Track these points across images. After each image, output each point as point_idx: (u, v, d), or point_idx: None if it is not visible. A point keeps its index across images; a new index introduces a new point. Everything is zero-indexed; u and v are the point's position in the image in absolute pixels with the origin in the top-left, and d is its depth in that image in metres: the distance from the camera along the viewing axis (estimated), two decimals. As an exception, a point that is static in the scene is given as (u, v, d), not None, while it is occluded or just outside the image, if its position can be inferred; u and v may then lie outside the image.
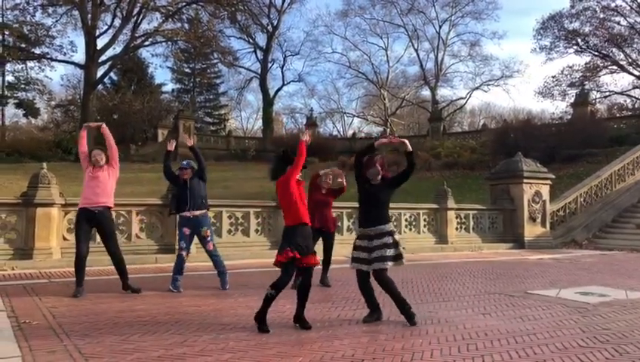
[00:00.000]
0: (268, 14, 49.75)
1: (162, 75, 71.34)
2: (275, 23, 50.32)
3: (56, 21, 39.11)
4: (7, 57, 39.15)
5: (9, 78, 44.79)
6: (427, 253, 13.27)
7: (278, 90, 54.82)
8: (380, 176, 5.65)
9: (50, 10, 38.48)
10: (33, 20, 39.07)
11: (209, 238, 7.43)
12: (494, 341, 4.83)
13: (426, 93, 57.97)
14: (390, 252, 5.42)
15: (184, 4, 38.81)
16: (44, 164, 10.44)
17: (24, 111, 47.95)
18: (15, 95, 46.21)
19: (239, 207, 11.99)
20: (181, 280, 7.23)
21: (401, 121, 62.69)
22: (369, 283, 5.63)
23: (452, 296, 7.16)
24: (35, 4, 37.85)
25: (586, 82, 39.20)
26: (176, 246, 10.72)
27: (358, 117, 64.33)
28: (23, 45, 39.48)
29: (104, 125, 7.22)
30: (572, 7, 38.16)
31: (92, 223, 6.84)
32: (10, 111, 49.40)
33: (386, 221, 5.57)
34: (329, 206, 7.91)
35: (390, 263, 5.45)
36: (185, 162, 7.61)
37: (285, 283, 5.14)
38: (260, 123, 59.19)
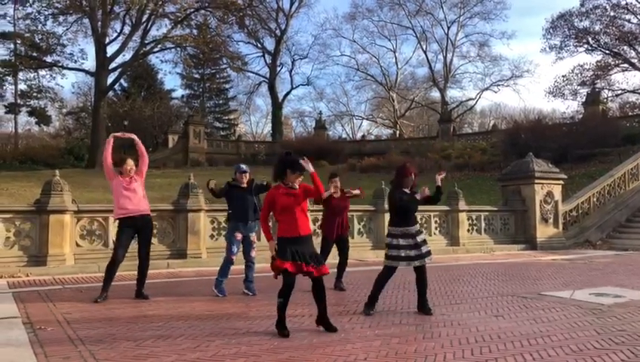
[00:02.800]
0: (276, 19, 50.03)
1: (172, 80, 72.08)
2: (283, 27, 50.59)
3: (67, 29, 39.67)
4: (19, 66, 39.67)
5: (21, 86, 45.39)
6: (439, 255, 13.17)
7: (287, 93, 55.06)
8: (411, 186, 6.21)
9: (61, 18, 38.99)
10: (44, 29, 39.65)
11: (255, 245, 7.46)
12: (508, 343, 4.79)
13: (435, 94, 57.95)
14: (428, 248, 6.12)
15: (193, 10, 39.07)
16: (57, 171, 10.55)
17: (36, 119, 48.54)
18: (27, 103, 46.76)
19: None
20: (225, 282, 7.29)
21: (410, 123, 62.63)
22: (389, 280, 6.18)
23: (464, 299, 7.12)
24: (46, 13, 38.38)
25: (598, 81, 38.92)
26: (187, 251, 10.84)
27: (367, 119, 64.37)
28: (35, 54, 40.01)
29: (135, 137, 7.32)
30: (582, 5, 37.96)
31: (135, 230, 6.89)
32: (23, 119, 50.12)
33: (414, 222, 6.21)
34: (347, 210, 7.96)
35: (430, 258, 6.12)
36: (244, 166, 7.64)
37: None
38: (269, 127, 59.51)
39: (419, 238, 6.03)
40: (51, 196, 9.80)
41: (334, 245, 7.86)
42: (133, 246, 7.01)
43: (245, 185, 7.44)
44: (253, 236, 7.44)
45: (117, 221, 7.03)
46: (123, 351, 4.47)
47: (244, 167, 7.62)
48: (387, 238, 6.17)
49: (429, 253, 6.08)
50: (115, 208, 6.96)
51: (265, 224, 5.30)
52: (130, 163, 7.08)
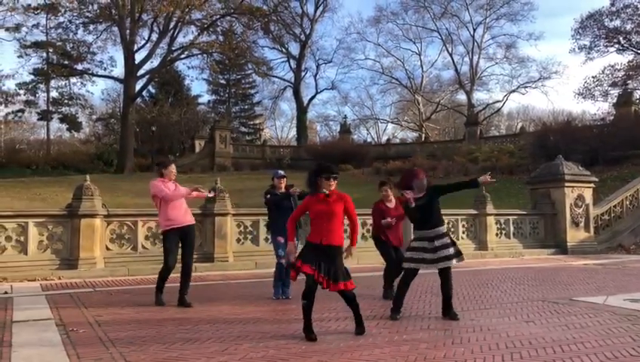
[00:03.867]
0: (300, 24, 50.33)
1: (198, 86, 73.07)
2: (307, 32, 50.87)
3: (97, 38, 40.77)
4: (51, 74, 40.77)
5: (53, 94, 46.69)
6: (467, 259, 12.97)
7: (312, 98, 55.27)
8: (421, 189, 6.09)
9: (91, 27, 40.11)
10: (75, 38, 40.84)
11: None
12: (539, 349, 4.69)
13: (461, 97, 57.37)
14: (452, 250, 5.96)
15: (219, 16, 39.61)
16: (88, 176, 10.77)
17: (67, 126, 49.78)
18: (59, 110, 48.05)
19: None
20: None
21: (436, 126, 62.09)
22: (410, 283, 6.17)
23: (494, 304, 7.01)
24: (77, 22, 39.43)
25: (629, 81, 37.93)
26: (214, 255, 10.94)
27: (392, 123, 64.09)
28: (66, 62, 41.12)
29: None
30: (612, 4, 37.08)
31: (180, 237, 6.80)
32: (55, 126, 51.42)
33: (442, 223, 6.17)
34: (402, 220, 7.59)
35: (455, 260, 5.99)
36: (281, 171, 7.66)
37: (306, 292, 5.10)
38: (294, 131, 59.76)
39: (437, 242, 5.93)
40: (82, 201, 10.01)
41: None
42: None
43: (283, 191, 7.41)
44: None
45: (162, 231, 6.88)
46: (153, 353, 4.53)
47: (281, 172, 7.62)
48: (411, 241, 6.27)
49: (450, 257, 5.92)
50: (161, 218, 6.80)
51: (292, 224, 5.34)
52: (173, 167, 7.00)
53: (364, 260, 11.75)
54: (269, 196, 7.46)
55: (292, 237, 5.32)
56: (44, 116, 47.26)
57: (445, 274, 6.04)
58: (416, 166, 28.85)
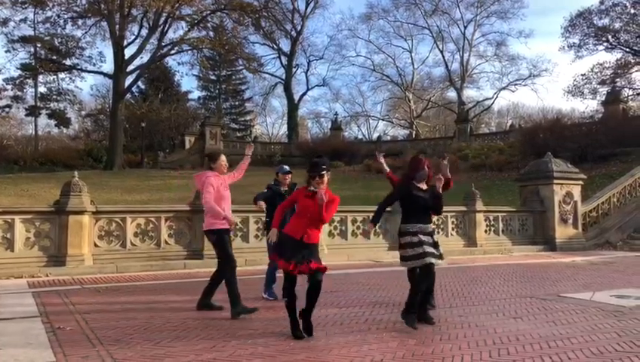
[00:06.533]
0: (292, 20, 50.15)
1: (188, 82, 72.44)
2: (298, 29, 50.71)
3: (86, 33, 40.28)
4: (39, 69, 40.34)
5: (41, 89, 46.20)
6: (456, 256, 13.08)
7: (303, 95, 55.16)
8: (425, 182, 5.67)
9: (80, 22, 39.61)
10: (64, 33, 40.37)
11: None
12: (526, 346, 4.73)
13: (452, 94, 57.60)
14: (437, 250, 5.52)
15: (209, 12, 39.36)
16: (76, 173, 10.68)
17: (56, 122, 49.27)
18: (47, 106, 47.55)
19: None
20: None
21: (426, 123, 62.26)
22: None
23: (482, 300, 7.04)
24: (66, 16, 38.97)
25: (618, 79, 38.25)
26: (203, 252, 10.89)
27: (383, 120, 64.20)
28: (55, 57, 40.71)
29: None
30: (601, 3, 37.32)
31: None
32: (43, 122, 50.93)
33: (430, 221, 5.74)
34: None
35: (434, 260, 5.43)
36: (286, 166, 7.34)
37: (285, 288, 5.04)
38: (285, 128, 59.59)
39: (423, 238, 5.45)
40: (70, 197, 9.93)
41: None
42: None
43: (286, 188, 7.09)
44: None
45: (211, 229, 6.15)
46: (140, 351, 4.51)
47: (286, 167, 7.29)
48: (402, 238, 5.56)
49: (432, 255, 5.42)
50: (213, 216, 6.15)
51: (280, 215, 5.20)
52: (224, 159, 6.39)
53: (354, 257, 11.80)
54: (263, 192, 7.24)
55: (276, 224, 5.16)
56: (32, 112, 46.79)
57: (429, 272, 5.45)
58: (407, 164, 28.90)
